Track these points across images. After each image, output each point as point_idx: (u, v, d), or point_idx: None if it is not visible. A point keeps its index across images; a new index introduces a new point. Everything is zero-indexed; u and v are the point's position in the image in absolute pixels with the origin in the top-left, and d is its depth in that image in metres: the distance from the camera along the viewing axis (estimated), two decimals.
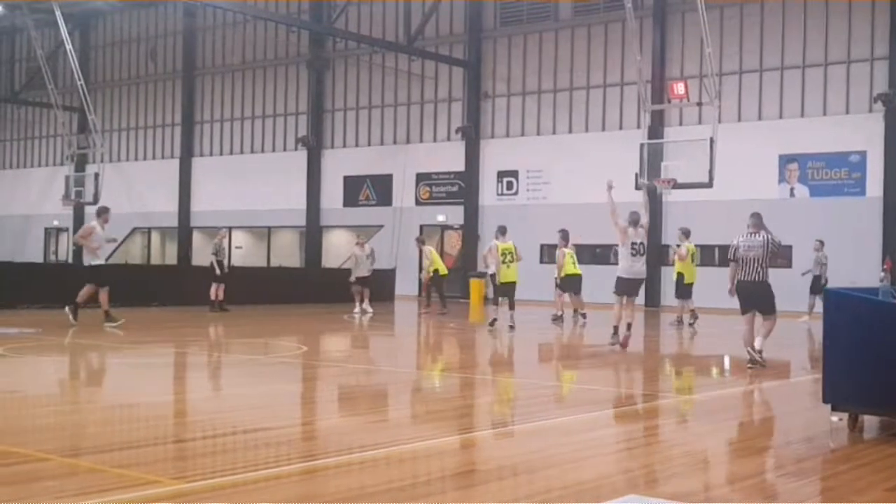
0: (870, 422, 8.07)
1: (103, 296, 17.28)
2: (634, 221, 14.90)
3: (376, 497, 5.68)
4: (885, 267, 23.87)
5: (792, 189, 27.38)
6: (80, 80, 32.88)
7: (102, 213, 17.78)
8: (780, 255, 12.07)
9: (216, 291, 22.61)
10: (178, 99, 41.70)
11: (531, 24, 32.57)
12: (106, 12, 43.12)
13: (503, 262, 18.87)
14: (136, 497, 5.52)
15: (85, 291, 17.25)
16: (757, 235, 12.20)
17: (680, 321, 20.61)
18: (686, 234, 20.74)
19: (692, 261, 20.84)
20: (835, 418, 8.12)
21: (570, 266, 20.97)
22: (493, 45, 33.39)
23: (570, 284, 21.05)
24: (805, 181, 27.21)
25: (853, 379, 7.88)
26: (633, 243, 14.90)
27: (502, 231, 19.54)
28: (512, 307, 18.92)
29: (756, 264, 12.13)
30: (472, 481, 6.23)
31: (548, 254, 28.90)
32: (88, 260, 17.42)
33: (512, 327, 18.46)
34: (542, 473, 6.41)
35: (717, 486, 6.30)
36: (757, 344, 12.29)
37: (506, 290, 19.16)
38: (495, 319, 19.68)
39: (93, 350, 14.46)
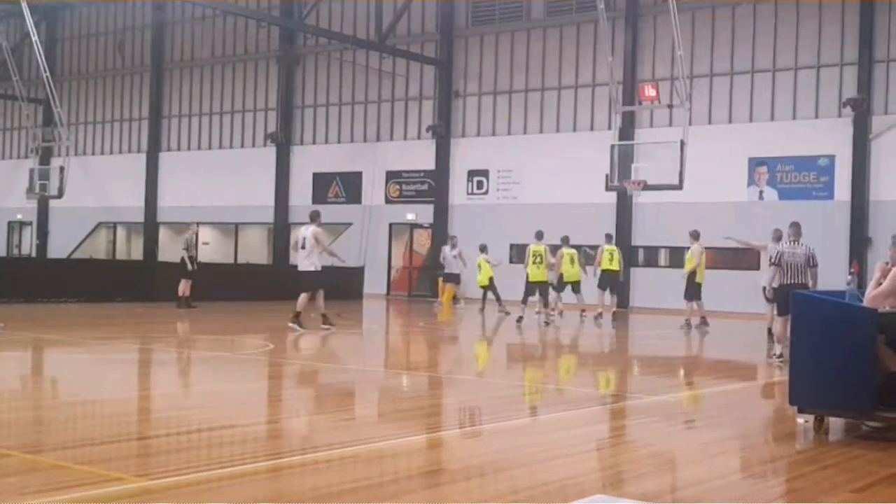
0: (835, 424, 8.13)
1: (320, 299, 16.92)
2: (777, 238, 16.32)
3: (343, 496, 5.64)
4: (852, 270, 24.07)
5: (761, 192, 27.54)
6: (45, 72, 32.39)
7: (318, 216, 17.05)
8: (813, 266, 13.24)
9: (184, 287, 22.41)
10: (145, 93, 41.24)
11: (503, 24, 32.55)
12: (73, 4, 42.61)
13: (533, 263, 20.68)
14: (99, 494, 5.43)
15: (303, 300, 16.79)
16: (798, 244, 13.27)
17: (688, 323, 20.63)
18: (695, 236, 20.88)
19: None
20: (801, 420, 8.18)
21: (606, 261, 22.62)
22: (464, 43, 33.35)
23: (604, 281, 22.62)
24: (774, 184, 27.39)
25: (819, 381, 7.92)
26: (771, 257, 16.13)
27: (539, 236, 21.35)
28: (545, 305, 20.79)
29: (800, 269, 13.14)
30: (439, 481, 6.19)
31: (517, 253, 28.87)
32: (309, 264, 16.73)
33: (548, 323, 20.33)
34: (509, 473, 6.39)
35: (685, 487, 6.31)
36: (777, 350, 13.42)
37: (534, 289, 20.81)
38: (521, 317, 20.53)
39: (56, 346, 14.28)
